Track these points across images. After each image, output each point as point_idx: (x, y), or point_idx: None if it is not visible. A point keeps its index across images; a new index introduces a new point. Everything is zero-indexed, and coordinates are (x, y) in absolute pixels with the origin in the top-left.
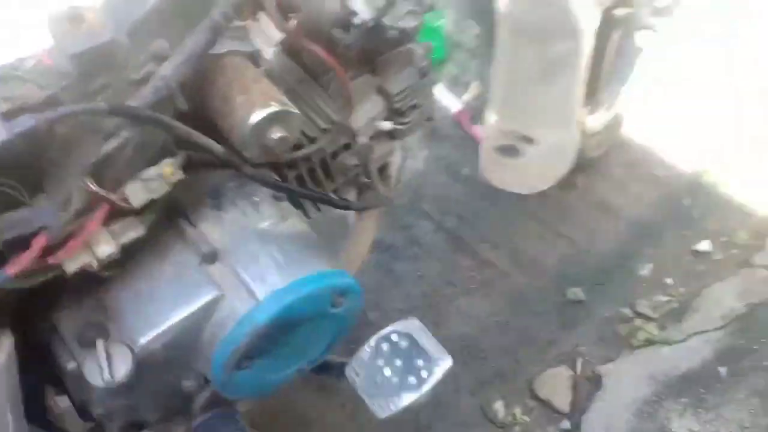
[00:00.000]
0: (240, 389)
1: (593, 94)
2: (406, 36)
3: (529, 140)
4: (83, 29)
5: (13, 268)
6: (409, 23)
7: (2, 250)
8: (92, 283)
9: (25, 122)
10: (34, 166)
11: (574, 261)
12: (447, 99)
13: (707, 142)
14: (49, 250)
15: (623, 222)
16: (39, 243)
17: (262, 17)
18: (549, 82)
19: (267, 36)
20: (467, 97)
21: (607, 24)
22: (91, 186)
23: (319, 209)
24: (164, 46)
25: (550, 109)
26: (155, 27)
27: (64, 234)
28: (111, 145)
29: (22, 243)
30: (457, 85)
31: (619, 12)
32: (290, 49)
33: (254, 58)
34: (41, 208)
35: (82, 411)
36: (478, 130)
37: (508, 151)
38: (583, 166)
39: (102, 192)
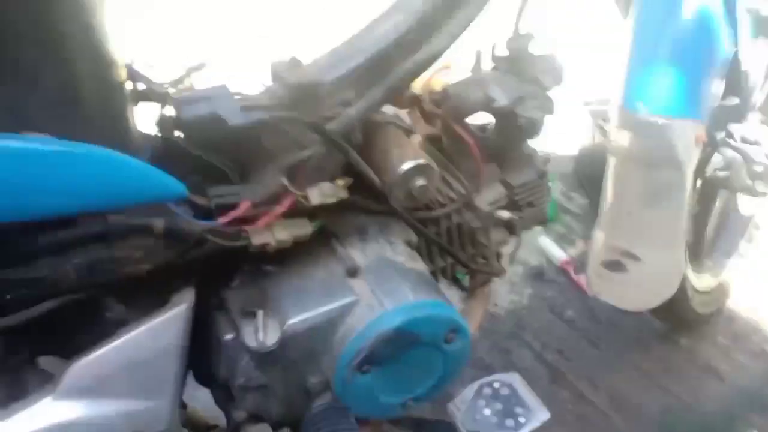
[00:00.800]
0: (355, 397)
1: (697, 258)
2: (532, 126)
3: (635, 257)
4: (298, 72)
5: (224, 219)
6: (537, 115)
7: (212, 210)
8: (258, 274)
9: (259, 115)
10: (245, 160)
11: (678, 415)
12: (554, 251)
13: None
14: (245, 221)
15: (729, 387)
16: (245, 205)
17: (415, 112)
18: (654, 207)
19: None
20: (573, 252)
21: (710, 186)
22: (284, 181)
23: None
24: (351, 95)
25: (655, 231)
26: (347, 83)
27: (259, 212)
28: (304, 153)
29: (229, 209)
30: (563, 242)
31: (721, 173)
32: (431, 138)
33: (408, 131)
34: (247, 187)
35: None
36: (582, 280)
37: (615, 266)
38: (687, 324)
39: (291, 187)
